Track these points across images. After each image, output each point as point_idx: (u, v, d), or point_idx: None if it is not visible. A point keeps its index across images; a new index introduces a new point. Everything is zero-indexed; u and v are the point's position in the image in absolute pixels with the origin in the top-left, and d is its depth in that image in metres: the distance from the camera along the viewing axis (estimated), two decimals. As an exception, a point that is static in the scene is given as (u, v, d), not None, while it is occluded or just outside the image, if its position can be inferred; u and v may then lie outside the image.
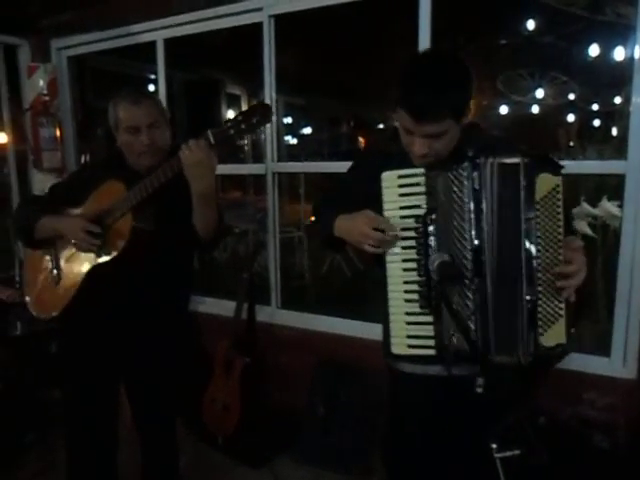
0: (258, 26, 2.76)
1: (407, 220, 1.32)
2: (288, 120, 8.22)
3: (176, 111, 4.70)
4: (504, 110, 5.52)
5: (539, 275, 1.24)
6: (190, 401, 2.84)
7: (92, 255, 1.69)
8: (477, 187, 1.24)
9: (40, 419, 2.70)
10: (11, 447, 2.65)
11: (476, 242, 1.26)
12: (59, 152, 3.40)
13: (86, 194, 1.76)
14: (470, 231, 1.26)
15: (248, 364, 2.72)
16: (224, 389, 2.74)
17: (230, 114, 5.39)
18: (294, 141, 8.45)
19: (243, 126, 1.51)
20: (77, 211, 1.76)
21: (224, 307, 2.96)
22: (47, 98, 3.29)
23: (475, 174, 1.24)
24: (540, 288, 1.24)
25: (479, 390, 1.16)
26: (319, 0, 2.56)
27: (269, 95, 2.76)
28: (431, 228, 1.29)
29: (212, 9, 2.78)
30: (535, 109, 5.62)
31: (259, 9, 2.70)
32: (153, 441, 2.00)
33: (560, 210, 1.22)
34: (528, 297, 1.24)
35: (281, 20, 2.77)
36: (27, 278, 1.87)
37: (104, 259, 1.67)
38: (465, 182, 1.25)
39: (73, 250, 1.74)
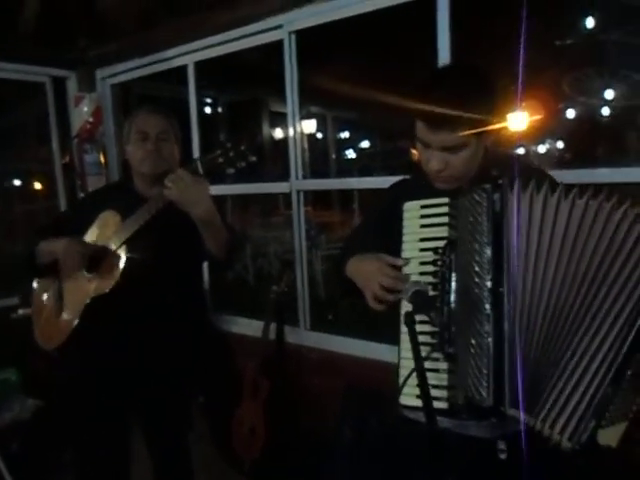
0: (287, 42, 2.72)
1: (426, 253, 1.21)
2: (345, 135, 8.22)
3: (221, 132, 4.84)
4: (571, 114, 5.23)
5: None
6: (220, 424, 2.82)
7: (92, 286, 1.70)
8: (498, 210, 1.11)
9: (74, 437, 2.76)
10: (49, 464, 2.74)
11: (492, 274, 1.11)
12: (104, 176, 3.54)
13: (87, 225, 1.79)
14: (487, 259, 1.12)
15: (274, 387, 2.66)
16: (251, 412, 2.69)
17: (277, 132, 5.49)
18: (353, 155, 8.43)
19: (232, 154, 1.53)
20: None
21: (255, 328, 2.92)
22: (91, 126, 3.44)
23: (496, 196, 1.11)
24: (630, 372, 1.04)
25: (502, 457, 1.04)
26: (337, 13, 2.48)
27: (291, 111, 2.71)
28: (452, 261, 1.17)
29: (234, 30, 2.79)
30: (605, 111, 5.27)
31: (279, 26, 2.67)
32: (166, 461, 1.99)
33: None
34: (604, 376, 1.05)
35: (326, 33, 2.70)
36: (34, 307, 1.89)
37: (101, 292, 1.67)
38: (485, 204, 1.12)
39: (74, 281, 1.75)
